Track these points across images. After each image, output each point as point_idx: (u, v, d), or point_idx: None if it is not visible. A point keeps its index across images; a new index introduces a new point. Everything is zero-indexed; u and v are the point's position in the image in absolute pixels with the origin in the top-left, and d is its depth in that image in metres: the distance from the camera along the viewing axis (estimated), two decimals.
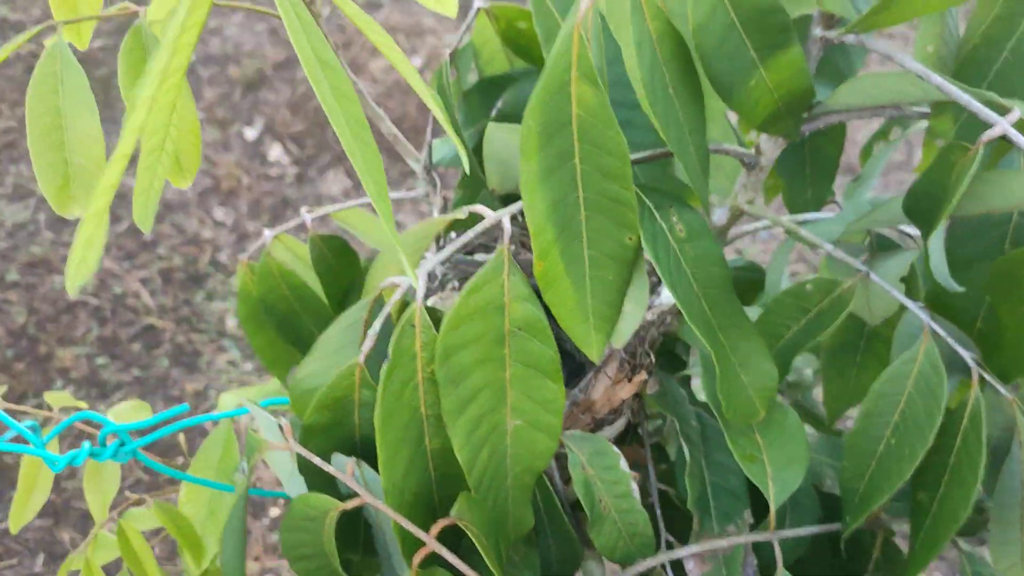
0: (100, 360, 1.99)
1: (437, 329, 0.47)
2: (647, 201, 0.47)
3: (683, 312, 0.48)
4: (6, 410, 0.75)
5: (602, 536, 0.55)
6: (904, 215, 0.51)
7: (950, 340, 0.50)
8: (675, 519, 0.62)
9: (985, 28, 0.50)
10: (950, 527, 0.51)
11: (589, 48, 0.40)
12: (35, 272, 2.11)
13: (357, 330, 0.50)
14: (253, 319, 0.77)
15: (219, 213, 2.29)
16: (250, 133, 2.45)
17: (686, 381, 0.68)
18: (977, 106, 0.45)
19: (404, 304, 0.51)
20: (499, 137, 0.53)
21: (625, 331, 0.49)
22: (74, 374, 1.97)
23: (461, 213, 0.48)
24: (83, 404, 0.82)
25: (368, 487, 0.50)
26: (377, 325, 0.48)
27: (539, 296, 0.48)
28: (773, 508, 0.53)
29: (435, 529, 0.48)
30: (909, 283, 0.59)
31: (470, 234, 0.48)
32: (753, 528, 0.59)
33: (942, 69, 0.54)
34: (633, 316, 0.48)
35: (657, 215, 0.47)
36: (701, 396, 0.67)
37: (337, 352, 0.50)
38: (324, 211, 0.69)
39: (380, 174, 0.40)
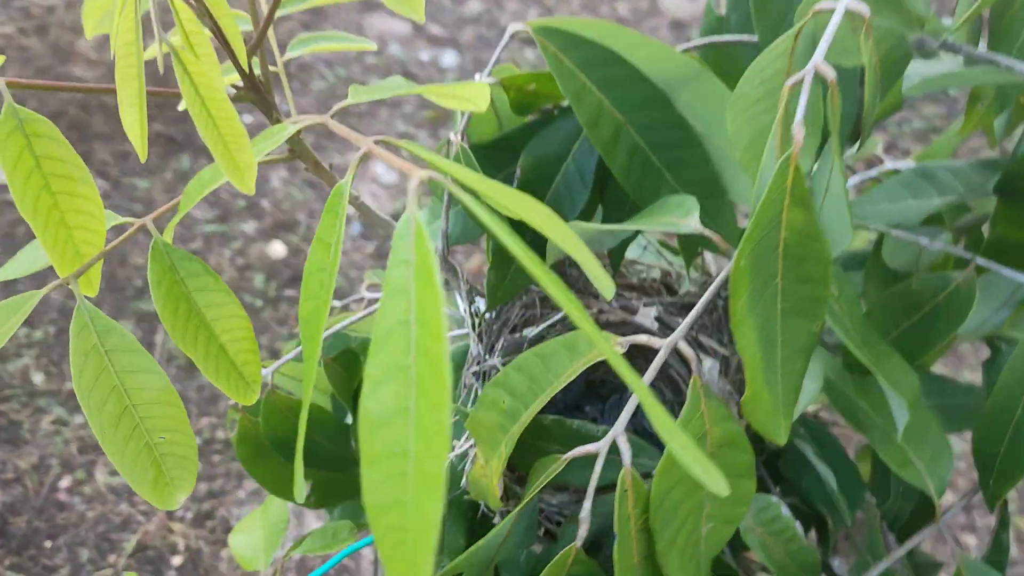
0: None
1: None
2: None
3: (859, 358, 0.46)
4: None
5: None
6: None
7: None
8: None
9: None
10: None
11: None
12: None
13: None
14: (255, 457, 0.68)
15: None
16: None
17: None
18: None
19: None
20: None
21: (803, 406, 0.47)
22: None
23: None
24: None
25: None
26: (588, 504, 0.43)
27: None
28: (937, 503, 0.54)
29: None
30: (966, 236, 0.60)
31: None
32: (879, 506, 0.60)
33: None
34: (811, 392, 0.46)
35: None
36: None
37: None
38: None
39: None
